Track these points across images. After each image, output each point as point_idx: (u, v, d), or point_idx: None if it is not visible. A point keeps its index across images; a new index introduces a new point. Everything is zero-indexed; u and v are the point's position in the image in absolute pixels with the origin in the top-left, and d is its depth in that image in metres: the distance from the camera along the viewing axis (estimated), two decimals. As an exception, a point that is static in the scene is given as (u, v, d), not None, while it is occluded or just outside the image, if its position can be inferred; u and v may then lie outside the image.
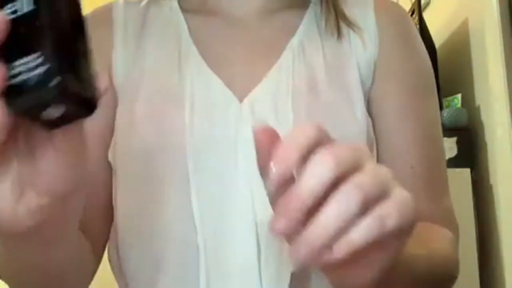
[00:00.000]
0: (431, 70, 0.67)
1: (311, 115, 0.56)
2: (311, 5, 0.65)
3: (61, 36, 0.29)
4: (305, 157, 0.33)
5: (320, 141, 0.34)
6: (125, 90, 0.60)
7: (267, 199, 0.53)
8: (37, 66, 0.28)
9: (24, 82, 0.28)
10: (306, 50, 0.61)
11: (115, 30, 0.63)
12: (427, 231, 0.56)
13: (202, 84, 0.57)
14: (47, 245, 0.41)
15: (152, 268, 0.55)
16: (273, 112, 0.56)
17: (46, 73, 0.28)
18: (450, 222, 0.62)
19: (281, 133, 0.54)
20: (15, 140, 0.32)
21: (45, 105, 0.29)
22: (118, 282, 0.61)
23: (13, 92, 0.28)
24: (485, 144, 1.81)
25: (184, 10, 0.64)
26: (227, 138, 0.55)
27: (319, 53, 0.61)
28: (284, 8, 0.64)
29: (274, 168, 0.33)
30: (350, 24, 0.62)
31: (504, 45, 1.71)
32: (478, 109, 1.87)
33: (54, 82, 0.28)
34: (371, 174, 0.34)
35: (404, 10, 0.71)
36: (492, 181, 1.77)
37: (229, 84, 0.57)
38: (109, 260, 0.61)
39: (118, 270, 0.59)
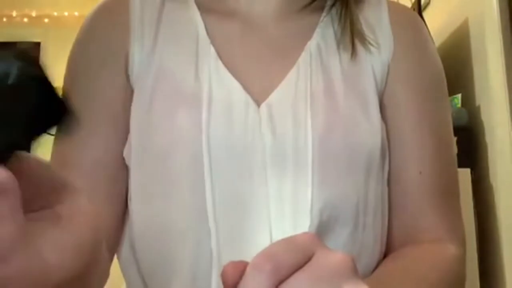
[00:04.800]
0: (443, 74, 0.66)
1: (329, 120, 0.56)
2: (327, 8, 0.65)
3: None
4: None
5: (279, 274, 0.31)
6: (141, 88, 0.59)
7: (282, 203, 0.53)
8: None
9: None
10: (323, 53, 0.61)
11: (133, 20, 0.61)
12: (428, 261, 0.55)
13: (220, 85, 0.56)
14: None
15: (166, 268, 0.55)
16: (291, 116, 0.56)
17: None
18: (456, 234, 0.60)
19: (298, 138, 0.54)
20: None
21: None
22: (128, 283, 0.60)
23: None
24: (485, 144, 1.81)
25: (200, 7, 0.63)
26: (244, 142, 0.54)
27: (335, 56, 0.61)
28: (301, 11, 0.64)
29: None
30: (365, 41, 0.62)
31: (504, 45, 1.71)
32: (478, 109, 1.87)
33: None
34: (313, 273, 0.31)
35: (416, 14, 0.72)
36: (492, 181, 1.77)
37: (246, 87, 0.57)
38: (119, 260, 0.61)
39: (135, 270, 0.58)
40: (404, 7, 0.70)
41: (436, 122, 0.63)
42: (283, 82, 0.58)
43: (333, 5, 0.65)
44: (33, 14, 4.50)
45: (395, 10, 0.66)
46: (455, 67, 1.99)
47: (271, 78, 0.58)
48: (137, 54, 0.60)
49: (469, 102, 1.90)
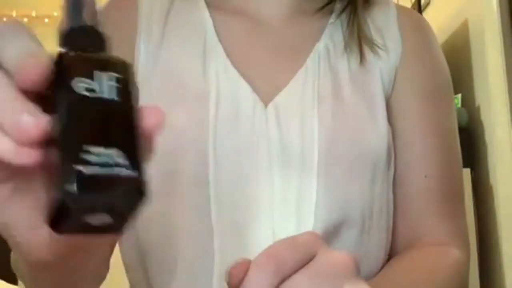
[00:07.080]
0: (450, 78, 0.66)
1: (336, 122, 0.55)
2: (336, 12, 0.64)
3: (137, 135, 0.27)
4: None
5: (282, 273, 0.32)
6: (147, 84, 0.58)
7: (287, 203, 0.53)
8: (117, 164, 0.25)
9: (105, 176, 0.24)
10: (331, 55, 0.60)
11: (140, 17, 0.61)
12: (431, 264, 0.55)
13: (228, 84, 0.56)
14: (73, 272, 0.36)
15: (170, 266, 0.55)
16: (298, 118, 0.55)
17: (131, 175, 0.25)
18: (460, 238, 0.60)
19: (304, 140, 0.54)
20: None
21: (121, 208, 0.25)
22: (131, 282, 0.60)
23: (81, 180, 0.24)
24: (485, 144, 1.81)
25: (208, 5, 0.63)
26: (250, 141, 0.54)
27: (343, 59, 0.60)
28: (309, 12, 0.64)
29: None
30: (372, 45, 0.61)
31: (504, 45, 1.71)
32: (478, 109, 1.87)
33: (138, 187, 0.25)
34: (314, 272, 0.32)
35: (424, 18, 0.71)
36: (492, 181, 1.77)
37: (254, 86, 0.56)
38: (123, 259, 0.60)
39: (138, 270, 0.58)
40: (411, 10, 0.70)
41: (442, 125, 0.62)
42: (290, 83, 0.57)
43: (342, 10, 0.64)
44: (33, 14, 4.50)
45: (403, 13, 0.66)
46: (455, 67, 1.99)
47: (279, 78, 0.58)
48: (143, 51, 0.59)
49: (469, 102, 1.91)
